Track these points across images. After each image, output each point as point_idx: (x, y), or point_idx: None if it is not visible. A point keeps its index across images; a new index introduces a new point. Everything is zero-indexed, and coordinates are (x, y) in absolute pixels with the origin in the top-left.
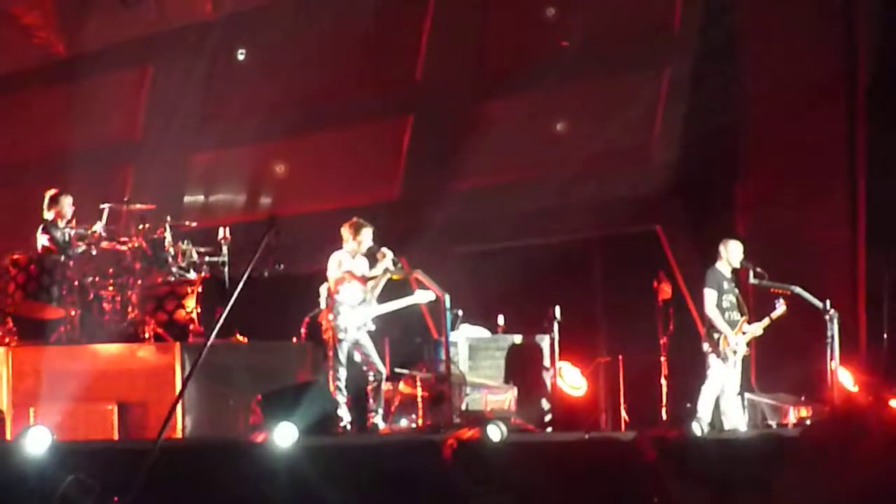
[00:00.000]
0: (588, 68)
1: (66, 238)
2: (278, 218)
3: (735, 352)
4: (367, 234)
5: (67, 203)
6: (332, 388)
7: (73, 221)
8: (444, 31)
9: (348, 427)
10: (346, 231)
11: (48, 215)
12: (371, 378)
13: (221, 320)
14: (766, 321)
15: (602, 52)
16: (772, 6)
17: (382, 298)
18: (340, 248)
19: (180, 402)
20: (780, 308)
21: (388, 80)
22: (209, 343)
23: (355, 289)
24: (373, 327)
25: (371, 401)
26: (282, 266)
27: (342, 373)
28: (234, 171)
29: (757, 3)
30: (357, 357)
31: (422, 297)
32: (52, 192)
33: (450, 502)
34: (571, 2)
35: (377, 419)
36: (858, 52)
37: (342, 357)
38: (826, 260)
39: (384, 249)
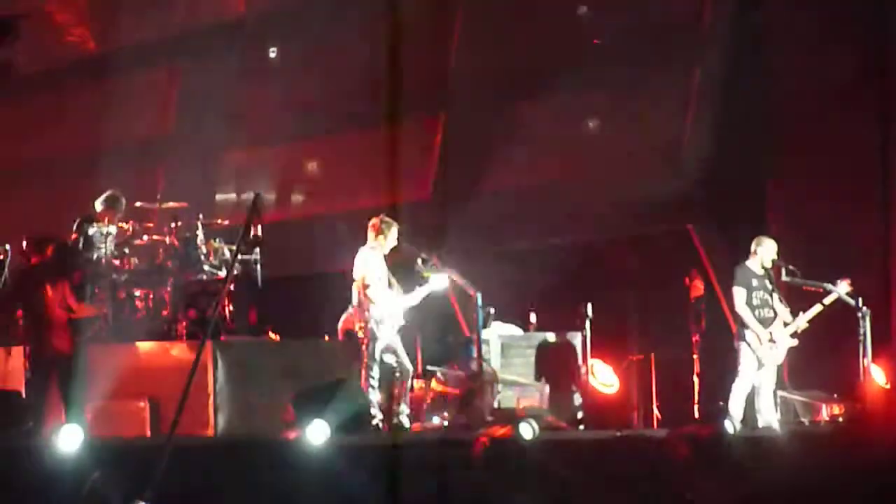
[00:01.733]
0: (619, 67)
1: (100, 236)
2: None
3: (769, 349)
4: (392, 232)
5: (120, 207)
6: (364, 385)
7: (106, 220)
8: (476, 30)
9: (380, 425)
10: (371, 229)
11: (99, 209)
12: (400, 376)
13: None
14: (817, 307)
15: (633, 51)
16: (801, 4)
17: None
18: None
19: (211, 399)
20: (833, 294)
21: (421, 80)
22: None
23: (384, 286)
24: (403, 322)
25: (399, 399)
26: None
27: (375, 371)
28: (266, 169)
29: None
30: (388, 355)
31: (437, 282)
32: (110, 192)
33: (481, 501)
34: (602, 1)
35: (404, 417)
36: (890, 46)
37: (375, 355)
38: (859, 257)
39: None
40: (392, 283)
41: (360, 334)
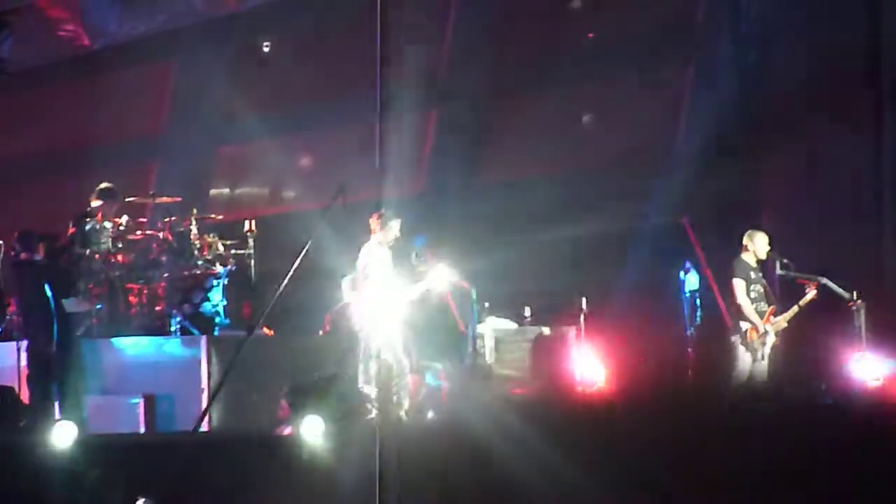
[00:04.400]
0: (613, 61)
1: (96, 232)
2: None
3: (764, 343)
4: (394, 224)
5: (116, 201)
6: (360, 380)
7: (100, 215)
8: (471, 23)
9: (375, 419)
10: (373, 222)
11: (94, 204)
12: (396, 370)
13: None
14: (794, 309)
15: (628, 45)
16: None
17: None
18: (369, 239)
19: (205, 394)
20: (810, 294)
21: (413, 74)
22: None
23: (383, 279)
24: (402, 319)
25: (396, 393)
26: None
27: (371, 365)
28: (259, 163)
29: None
30: (384, 349)
31: (438, 278)
32: (104, 184)
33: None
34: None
35: (401, 412)
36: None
37: (371, 349)
38: (852, 251)
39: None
40: (393, 278)
41: (356, 328)
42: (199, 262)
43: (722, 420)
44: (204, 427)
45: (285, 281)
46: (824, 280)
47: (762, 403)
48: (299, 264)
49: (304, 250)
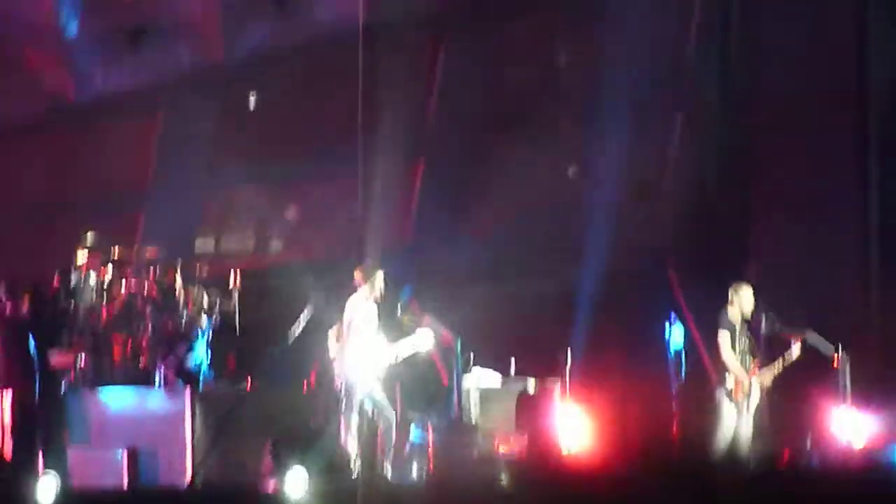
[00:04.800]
0: (601, 111)
1: (81, 284)
2: None
3: (749, 397)
4: (379, 277)
5: (102, 252)
6: (343, 434)
7: (85, 267)
8: (456, 74)
9: (359, 473)
10: (358, 275)
11: (80, 256)
12: (380, 424)
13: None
14: (779, 364)
15: (614, 93)
16: (786, 43)
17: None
18: (355, 292)
19: (190, 447)
20: (795, 350)
21: (399, 125)
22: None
23: (369, 333)
24: (384, 373)
25: (380, 447)
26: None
27: (354, 419)
28: (244, 215)
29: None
30: (368, 403)
31: (423, 342)
32: (90, 236)
33: None
34: (582, 44)
35: (385, 465)
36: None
37: (354, 403)
38: (838, 305)
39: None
40: (379, 332)
41: (339, 382)
42: (184, 315)
43: (707, 485)
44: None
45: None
46: (810, 334)
47: (745, 469)
48: (285, 317)
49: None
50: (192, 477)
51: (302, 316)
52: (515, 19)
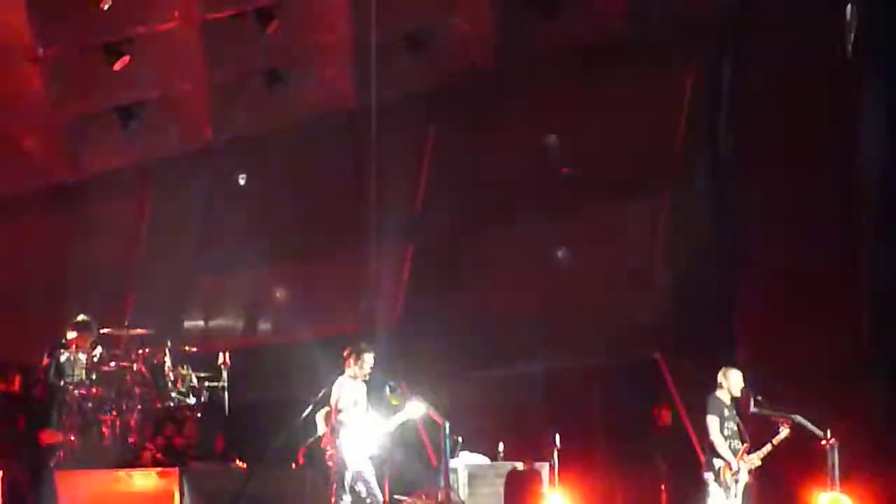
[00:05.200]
0: (588, 194)
1: (70, 363)
2: None
3: (737, 480)
4: (368, 358)
5: (92, 332)
6: None
7: (74, 346)
8: (444, 159)
9: None
10: (347, 356)
11: (70, 336)
12: None
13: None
14: (768, 447)
15: (602, 178)
16: (774, 131)
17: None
18: (343, 373)
19: None
20: (783, 432)
21: (390, 208)
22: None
23: (357, 415)
24: (377, 452)
25: None
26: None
27: (345, 499)
28: (234, 295)
29: (758, 130)
30: (359, 484)
31: (413, 410)
32: (81, 316)
33: None
34: (571, 127)
35: None
36: (860, 179)
37: (346, 484)
38: (827, 389)
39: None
40: (368, 410)
41: (330, 463)
42: (173, 394)
43: None
44: None
45: None
46: (798, 418)
47: None
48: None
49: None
50: None
51: (317, 396)
52: (504, 106)
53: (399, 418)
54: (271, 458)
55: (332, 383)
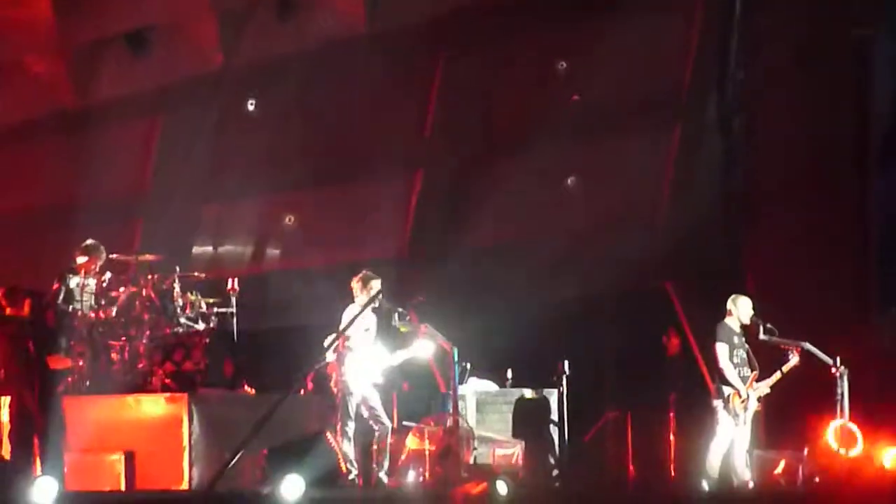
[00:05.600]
0: (598, 126)
1: (79, 288)
2: None
3: (746, 408)
4: (375, 285)
5: (100, 257)
6: (339, 440)
7: (84, 272)
8: (454, 87)
9: (356, 480)
10: (356, 284)
11: (79, 261)
12: (377, 432)
13: None
14: (776, 375)
15: (612, 110)
16: (783, 72)
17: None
18: (352, 301)
19: (186, 453)
20: (793, 360)
21: (398, 137)
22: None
23: (364, 342)
24: (381, 381)
25: (376, 455)
26: None
27: (350, 425)
28: (243, 222)
29: (768, 67)
30: (364, 411)
31: (423, 348)
32: (89, 241)
33: None
34: (581, 60)
35: (381, 474)
36: (868, 114)
37: (350, 410)
38: (836, 317)
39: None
40: (377, 340)
41: (336, 389)
42: (182, 321)
43: None
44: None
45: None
46: (807, 345)
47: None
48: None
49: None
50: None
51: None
52: (515, 35)
53: (404, 354)
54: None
55: (342, 311)
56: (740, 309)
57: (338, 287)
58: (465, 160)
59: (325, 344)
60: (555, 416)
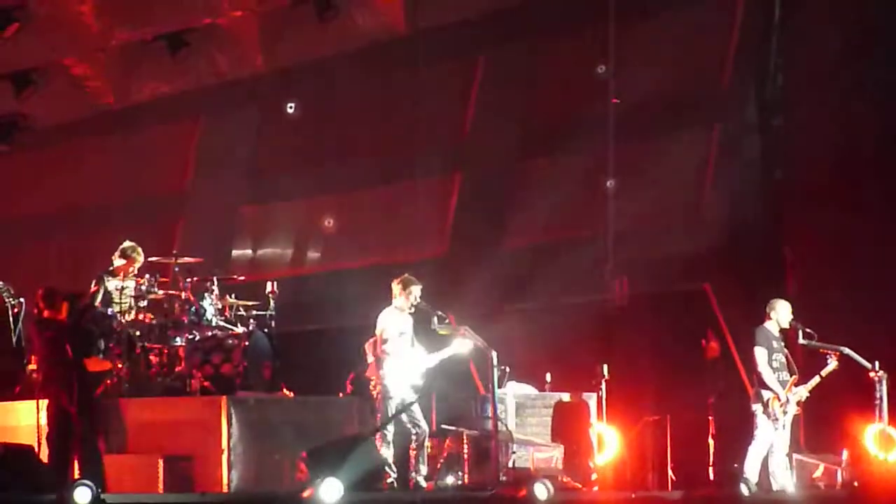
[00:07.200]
0: (637, 127)
1: (118, 291)
2: None
3: (785, 412)
4: (416, 290)
5: (138, 260)
6: (379, 443)
7: (122, 274)
8: (494, 88)
9: (394, 483)
10: (396, 287)
11: (117, 263)
12: (415, 435)
13: None
14: (816, 379)
15: (651, 111)
16: (823, 72)
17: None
18: (390, 303)
19: (225, 455)
20: (832, 364)
21: (437, 138)
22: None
23: (403, 344)
24: (420, 383)
25: (415, 458)
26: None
27: (389, 428)
28: (282, 224)
29: (808, 64)
30: (403, 414)
31: (461, 346)
32: (127, 243)
33: None
34: (621, 60)
35: (420, 477)
36: None
37: (390, 412)
38: (876, 321)
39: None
40: (414, 343)
41: (375, 392)
42: (220, 323)
43: None
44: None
45: None
46: (846, 350)
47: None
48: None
49: None
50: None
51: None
52: (554, 36)
53: (444, 353)
54: (319, 387)
55: (380, 313)
56: (780, 312)
57: (377, 288)
58: (505, 161)
59: (366, 346)
60: (594, 420)
